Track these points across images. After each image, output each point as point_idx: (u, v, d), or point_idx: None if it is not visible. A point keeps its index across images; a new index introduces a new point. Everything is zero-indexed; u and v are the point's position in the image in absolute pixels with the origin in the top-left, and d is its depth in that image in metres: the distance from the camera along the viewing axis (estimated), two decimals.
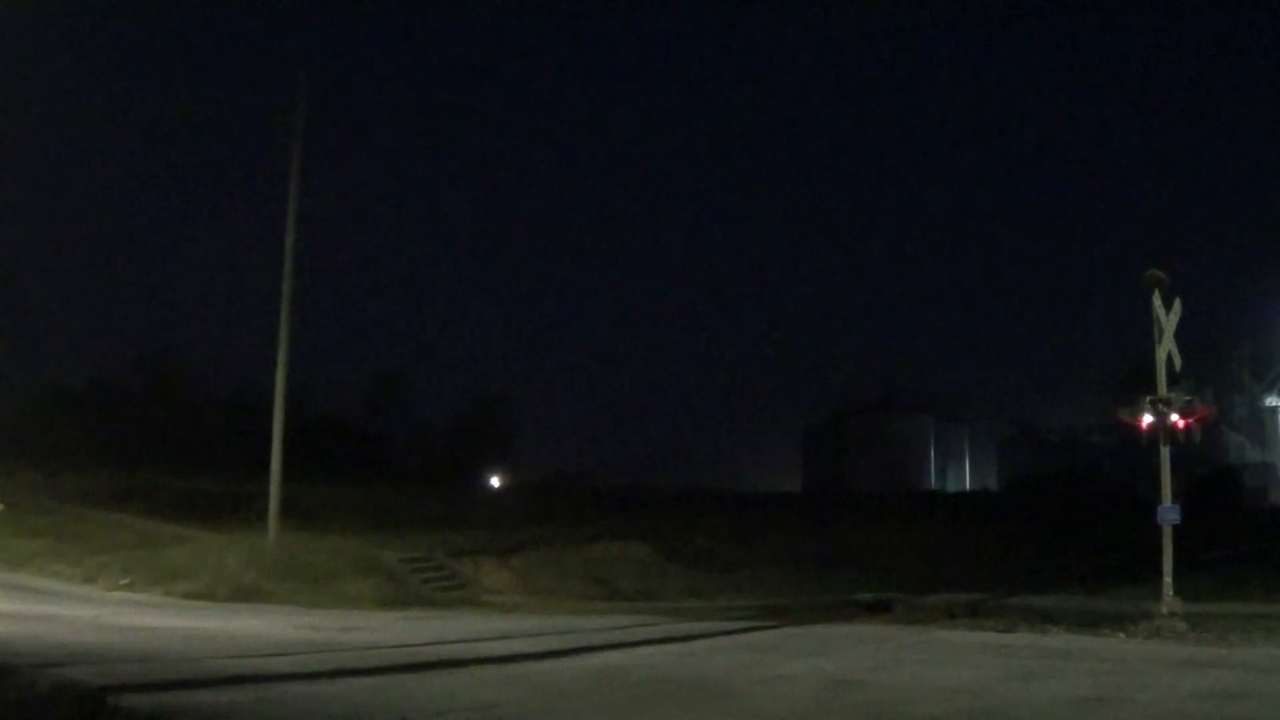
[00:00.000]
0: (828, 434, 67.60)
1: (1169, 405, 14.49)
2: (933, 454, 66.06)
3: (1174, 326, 14.74)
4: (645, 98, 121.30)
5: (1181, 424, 14.58)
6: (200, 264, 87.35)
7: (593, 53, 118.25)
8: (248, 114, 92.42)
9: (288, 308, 23.44)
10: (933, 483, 64.37)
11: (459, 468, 55.33)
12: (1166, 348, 14.67)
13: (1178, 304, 14.84)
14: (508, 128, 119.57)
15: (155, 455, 41.56)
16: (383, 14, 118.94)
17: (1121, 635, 13.14)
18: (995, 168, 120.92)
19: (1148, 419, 14.65)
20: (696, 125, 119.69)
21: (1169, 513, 14.30)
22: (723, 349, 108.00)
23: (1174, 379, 14.85)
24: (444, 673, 9.14)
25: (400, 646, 11.21)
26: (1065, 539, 33.59)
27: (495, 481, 55.10)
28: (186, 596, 19.82)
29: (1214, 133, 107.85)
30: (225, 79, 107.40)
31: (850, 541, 31.25)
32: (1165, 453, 14.62)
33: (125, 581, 21.48)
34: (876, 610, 17.49)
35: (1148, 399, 14.66)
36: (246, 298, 76.12)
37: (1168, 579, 13.93)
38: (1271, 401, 58.47)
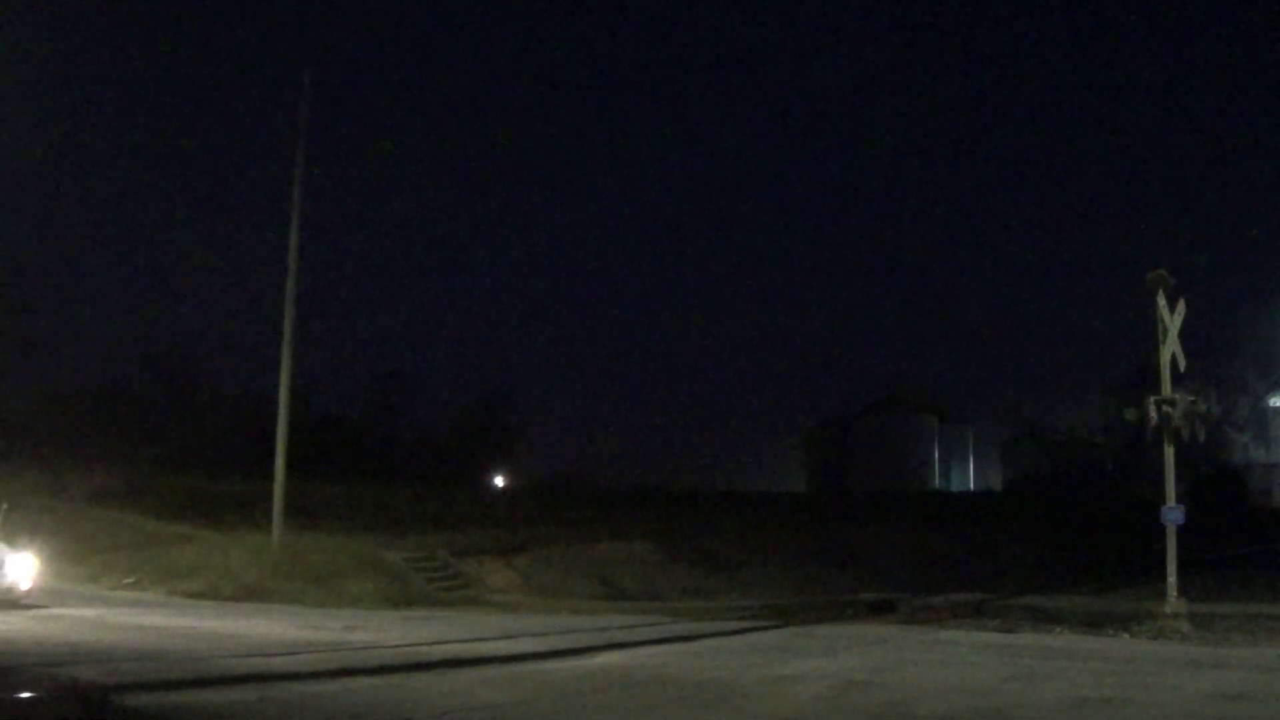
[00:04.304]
0: (832, 434, 67.47)
1: (1173, 406, 14.47)
2: (936, 454, 65.93)
3: (1178, 327, 14.72)
4: (649, 96, 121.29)
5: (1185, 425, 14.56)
6: (205, 263, 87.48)
7: (596, 53, 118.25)
8: (252, 114, 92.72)
9: (291, 307, 23.46)
10: (936, 483, 64.27)
11: (463, 467, 55.24)
12: (1171, 348, 14.65)
13: (1182, 304, 14.82)
14: (511, 127, 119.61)
15: (159, 454, 41.60)
16: (387, 13, 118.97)
17: (1126, 636, 13.13)
18: (999, 168, 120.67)
19: (1152, 419, 14.63)
20: (697, 124, 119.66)
21: (1173, 513, 14.28)
22: (727, 349, 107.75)
23: (1178, 379, 14.84)
24: (447, 672, 9.15)
25: (403, 646, 11.22)
26: (1069, 539, 33.57)
27: (499, 481, 55.11)
28: (190, 595, 19.86)
29: (1219, 132, 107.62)
30: (230, 78, 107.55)
31: (854, 541, 31.22)
32: (1169, 453, 14.61)
33: (129, 580, 21.54)
34: (880, 610, 17.46)
35: (1152, 399, 14.64)
36: (251, 297, 76.46)
37: (1172, 579, 13.92)
38: (1276, 402, 58.18)
